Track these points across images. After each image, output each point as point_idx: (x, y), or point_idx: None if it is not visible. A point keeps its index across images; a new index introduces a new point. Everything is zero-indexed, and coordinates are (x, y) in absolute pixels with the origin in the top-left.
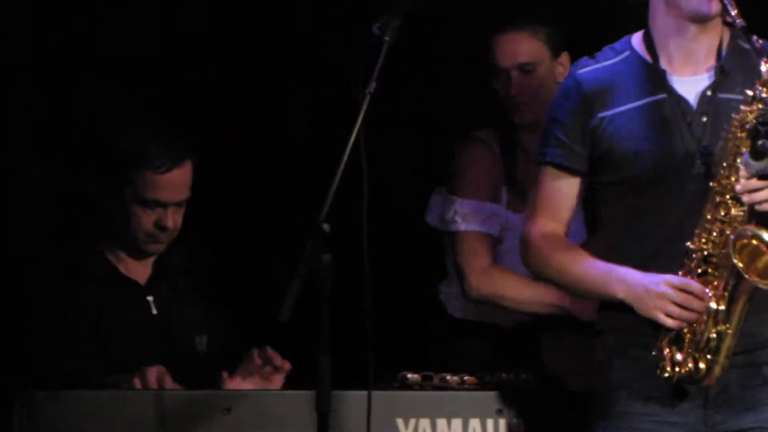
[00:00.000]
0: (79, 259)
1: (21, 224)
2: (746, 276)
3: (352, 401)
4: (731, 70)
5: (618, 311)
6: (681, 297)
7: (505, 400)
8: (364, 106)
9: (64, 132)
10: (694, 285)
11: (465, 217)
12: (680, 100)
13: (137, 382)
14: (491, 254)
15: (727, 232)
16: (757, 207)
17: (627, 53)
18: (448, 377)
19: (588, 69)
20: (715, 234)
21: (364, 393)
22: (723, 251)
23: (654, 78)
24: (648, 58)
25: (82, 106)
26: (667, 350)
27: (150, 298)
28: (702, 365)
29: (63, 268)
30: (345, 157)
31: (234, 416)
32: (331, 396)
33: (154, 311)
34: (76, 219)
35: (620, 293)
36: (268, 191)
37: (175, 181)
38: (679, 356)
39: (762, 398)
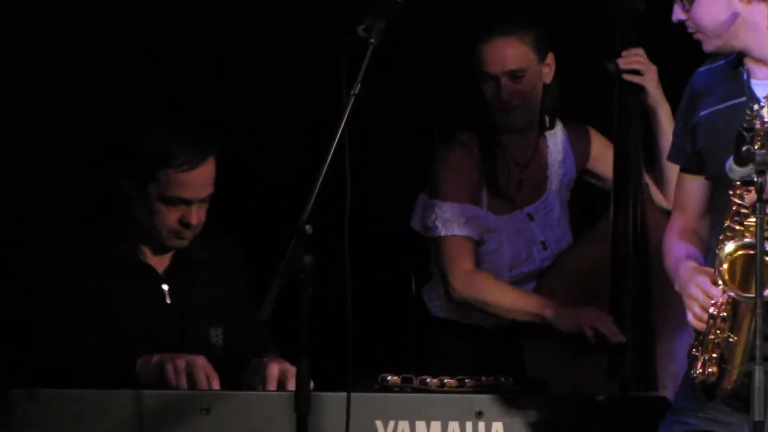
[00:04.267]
0: (98, 246)
1: (42, 219)
2: (732, 292)
3: (331, 403)
4: None
5: None
6: (704, 300)
7: (485, 403)
8: (348, 108)
9: (88, 129)
10: (712, 290)
11: (445, 222)
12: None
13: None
14: (473, 257)
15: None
16: None
17: (735, 55)
18: (428, 380)
19: (702, 68)
20: None
21: (344, 395)
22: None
23: (739, 80)
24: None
25: (103, 103)
26: (695, 351)
27: (165, 287)
28: (711, 370)
29: (81, 256)
30: (328, 159)
31: (213, 417)
32: (311, 397)
33: (168, 300)
34: (98, 214)
35: (676, 286)
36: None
37: (200, 179)
38: (703, 358)
39: None
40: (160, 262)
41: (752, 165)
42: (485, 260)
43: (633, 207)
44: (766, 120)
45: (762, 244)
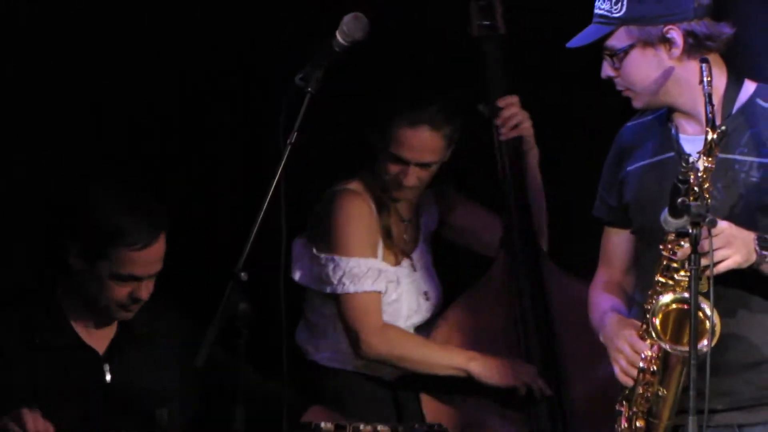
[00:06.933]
0: (40, 327)
1: None
2: (664, 345)
3: None
4: (734, 129)
5: None
6: (632, 356)
7: None
8: (285, 156)
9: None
10: (639, 344)
11: (353, 278)
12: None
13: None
14: (381, 312)
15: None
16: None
17: (664, 110)
18: (361, 426)
19: (631, 123)
20: None
21: None
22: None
23: (667, 136)
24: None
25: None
26: (619, 405)
27: (106, 366)
28: (638, 424)
29: (24, 336)
30: (264, 206)
31: None
32: None
33: (108, 378)
34: (46, 287)
35: (600, 338)
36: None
37: (152, 256)
38: (630, 412)
39: None
40: (100, 340)
41: (687, 217)
42: (385, 311)
43: (525, 259)
44: (700, 172)
45: (696, 296)
